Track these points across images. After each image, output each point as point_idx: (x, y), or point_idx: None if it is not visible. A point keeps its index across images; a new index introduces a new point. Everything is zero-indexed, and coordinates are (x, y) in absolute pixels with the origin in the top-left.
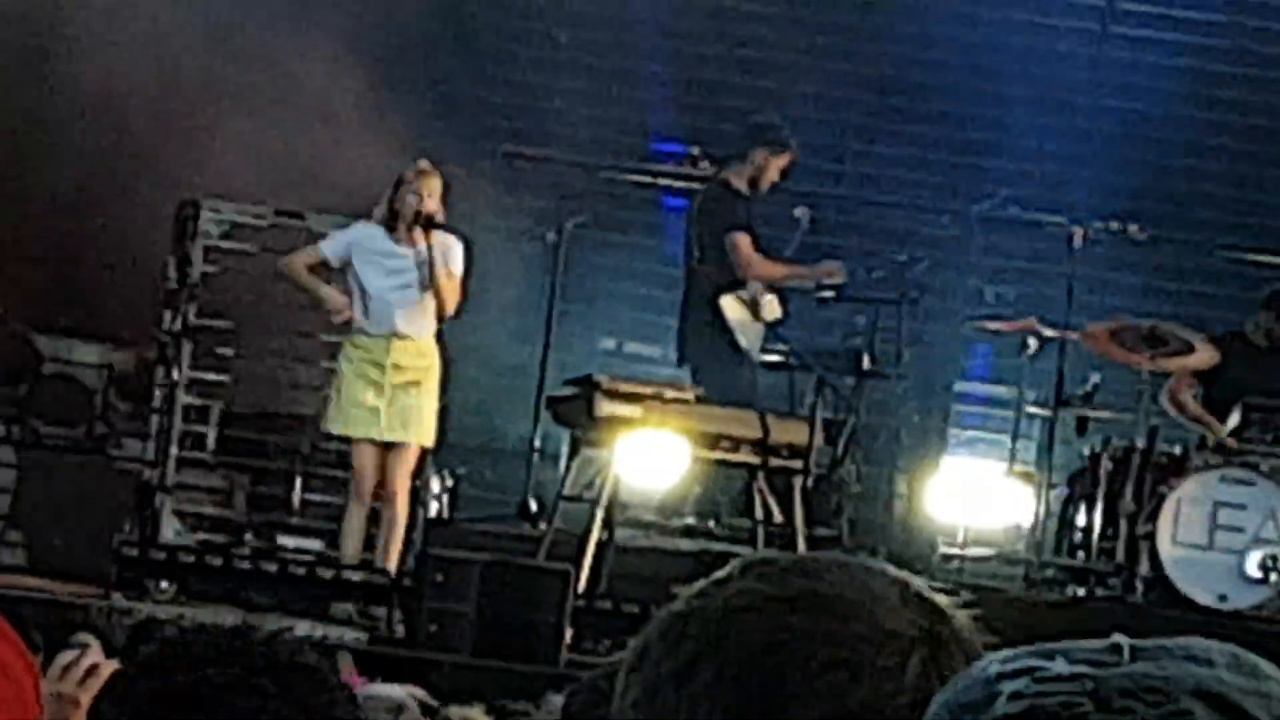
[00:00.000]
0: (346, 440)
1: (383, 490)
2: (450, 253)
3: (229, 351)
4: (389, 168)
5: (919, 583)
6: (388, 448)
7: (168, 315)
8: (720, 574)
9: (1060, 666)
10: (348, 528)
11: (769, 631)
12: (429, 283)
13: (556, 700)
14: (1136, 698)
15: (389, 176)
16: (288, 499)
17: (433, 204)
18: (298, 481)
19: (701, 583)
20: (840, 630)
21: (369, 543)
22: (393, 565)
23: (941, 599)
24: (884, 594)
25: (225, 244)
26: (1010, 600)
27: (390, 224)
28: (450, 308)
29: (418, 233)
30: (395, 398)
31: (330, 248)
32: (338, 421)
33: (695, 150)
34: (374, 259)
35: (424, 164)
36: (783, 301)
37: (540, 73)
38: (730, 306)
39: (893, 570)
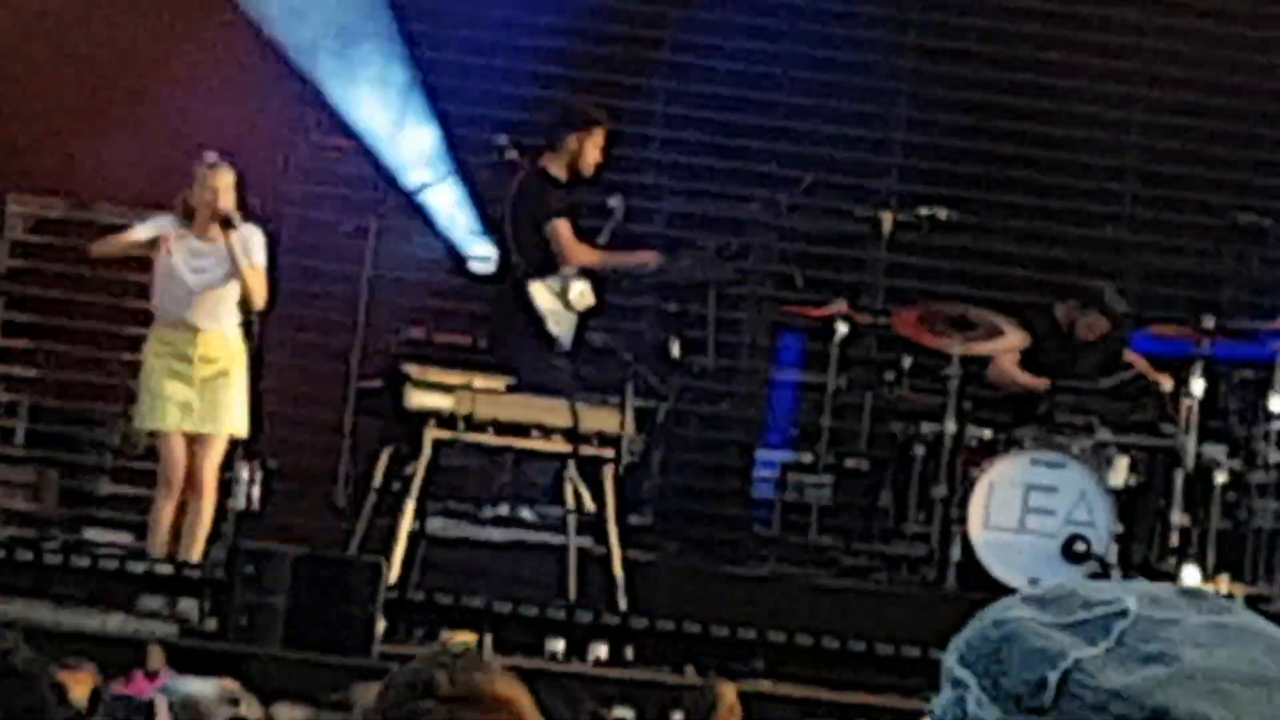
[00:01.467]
0: (154, 433)
1: (189, 482)
2: (251, 244)
3: (36, 346)
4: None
5: None
6: (195, 440)
7: None
8: None
9: None
10: (156, 521)
11: None
12: (233, 277)
13: (361, 690)
14: None
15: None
16: (97, 493)
17: (227, 198)
18: (106, 476)
19: None
20: None
21: (175, 535)
22: (196, 557)
23: None
24: None
25: (33, 238)
26: (816, 588)
27: (188, 218)
28: (258, 301)
29: (215, 227)
30: (204, 390)
31: (143, 231)
32: (149, 416)
33: (504, 140)
34: (177, 252)
35: (212, 158)
36: (596, 290)
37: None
38: (539, 294)
39: None
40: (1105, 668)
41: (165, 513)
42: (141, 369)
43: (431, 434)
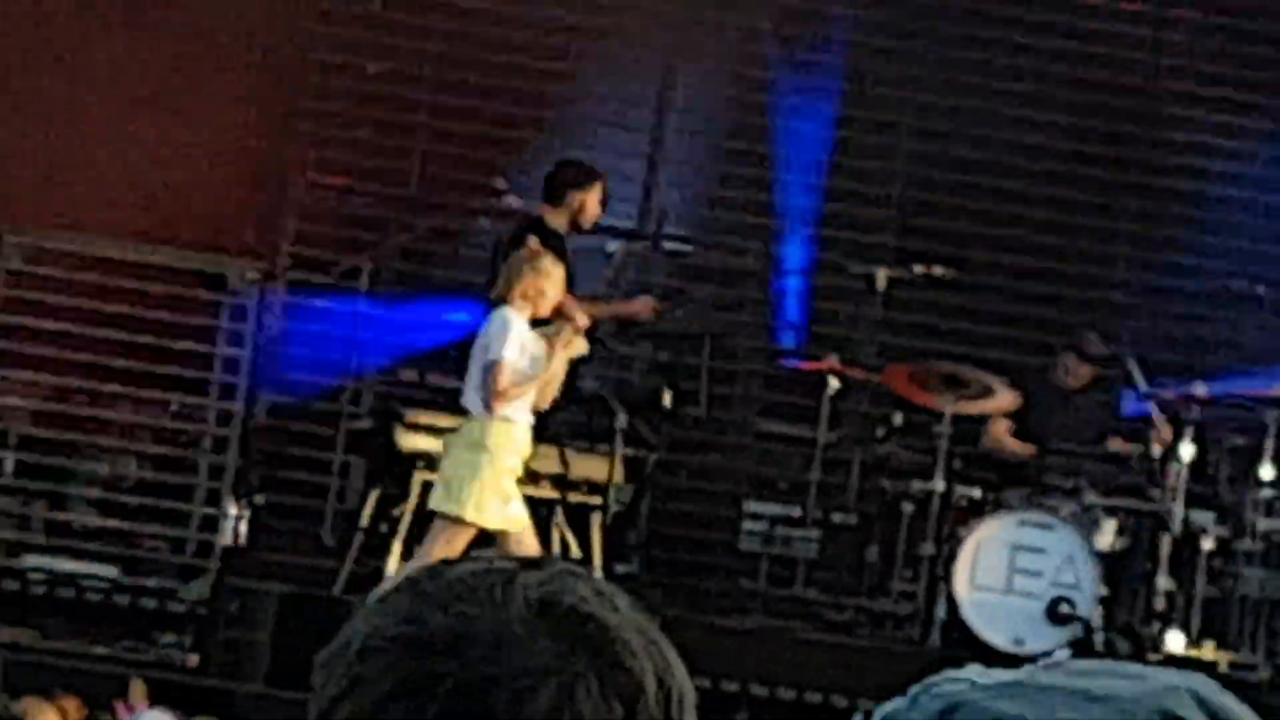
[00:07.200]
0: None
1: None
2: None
3: (33, 375)
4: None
5: (574, 597)
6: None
7: None
8: (385, 590)
9: None
10: None
11: (397, 676)
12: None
13: None
14: None
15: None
16: (83, 526)
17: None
18: (94, 509)
19: (370, 602)
20: (467, 673)
21: (163, 570)
22: None
23: (601, 610)
24: (515, 628)
25: (29, 269)
26: (801, 642)
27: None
28: (548, 402)
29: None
30: (516, 485)
31: (512, 351)
32: (473, 509)
33: (501, 183)
34: (522, 348)
35: (536, 243)
36: (588, 337)
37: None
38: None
39: (544, 586)
40: None
41: None
42: (484, 460)
43: (421, 476)
